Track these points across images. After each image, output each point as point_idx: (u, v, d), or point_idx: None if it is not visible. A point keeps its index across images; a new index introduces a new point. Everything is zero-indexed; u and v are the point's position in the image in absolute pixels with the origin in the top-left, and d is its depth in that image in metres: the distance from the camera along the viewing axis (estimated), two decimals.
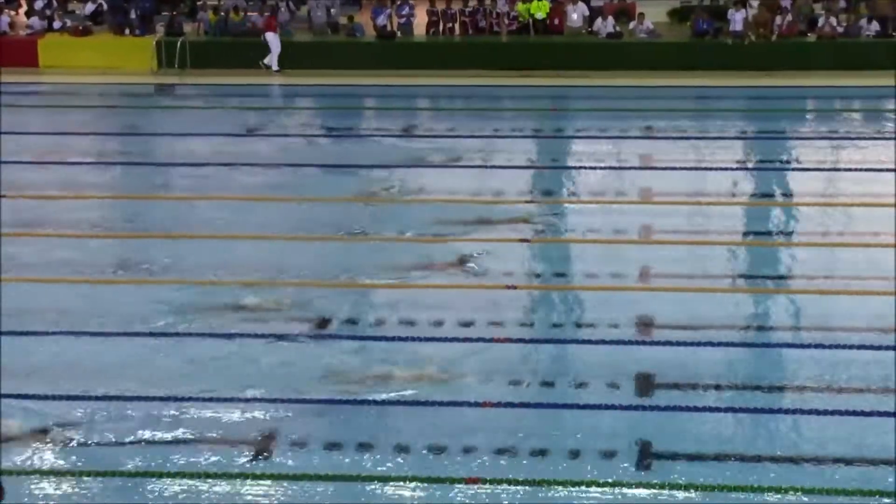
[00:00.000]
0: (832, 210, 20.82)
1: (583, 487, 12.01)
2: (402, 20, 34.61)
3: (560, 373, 14.57)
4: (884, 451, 12.62)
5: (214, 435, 13.10)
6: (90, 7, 35.49)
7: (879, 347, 15.06)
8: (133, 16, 34.74)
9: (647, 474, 12.27)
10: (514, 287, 17.22)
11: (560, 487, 12.02)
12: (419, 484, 12.14)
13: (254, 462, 12.55)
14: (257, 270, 17.88)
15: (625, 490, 11.98)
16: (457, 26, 34.68)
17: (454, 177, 22.75)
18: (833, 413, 13.44)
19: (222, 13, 34.85)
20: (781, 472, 12.26)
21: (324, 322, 16.06)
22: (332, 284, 17.36)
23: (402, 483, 12.17)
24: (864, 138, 25.69)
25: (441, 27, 34.70)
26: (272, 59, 32.88)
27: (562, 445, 12.78)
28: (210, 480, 12.18)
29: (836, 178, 22.90)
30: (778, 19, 33.10)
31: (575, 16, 34.32)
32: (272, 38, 33.08)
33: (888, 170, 22.84)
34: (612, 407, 13.63)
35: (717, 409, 13.58)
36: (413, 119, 28.36)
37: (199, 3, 35.98)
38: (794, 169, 23.83)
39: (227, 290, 17.10)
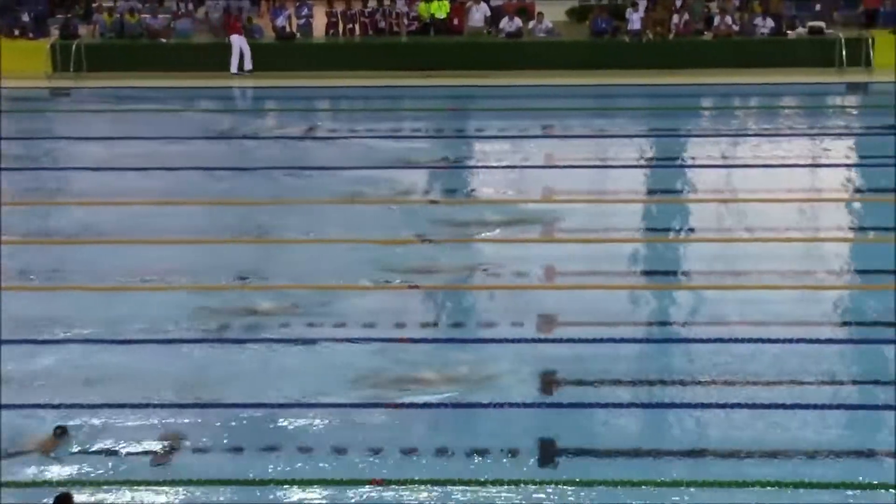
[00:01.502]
0: (731, 206, 21.02)
1: (487, 486, 12.00)
2: (302, 21, 34.38)
3: (463, 372, 14.54)
4: (789, 443, 12.77)
5: (116, 442, 12.90)
6: None
7: (783, 341, 15.22)
8: (26, 18, 34.11)
9: (552, 471, 12.30)
10: (416, 287, 17.17)
11: (464, 487, 12.00)
12: (323, 487, 12.05)
13: (157, 468, 12.39)
14: (157, 274, 17.66)
15: (529, 487, 11.98)
16: (356, 27, 34.54)
17: (355, 177, 22.63)
18: (734, 406, 13.57)
19: (118, 15, 34.37)
20: (684, 467, 12.34)
21: (225, 326, 15.91)
22: (232, 287, 17.20)
23: (305, 486, 12.07)
24: (761, 135, 26.02)
25: (341, 28, 34.54)
26: (235, 62, 32.60)
27: (466, 445, 12.76)
28: (110, 488, 12.01)
29: (734, 175, 23.13)
30: (675, 18, 33.44)
31: (478, 15, 34.37)
32: (237, 41, 32.82)
33: (784, 165, 23.19)
34: (516, 405, 13.64)
35: (621, 405, 13.65)
36: (313, 120, 28.18)
37: (94, 5, 35.43)
38: (693, 166, 24.05)
39: (128, 295, 16.86)
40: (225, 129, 27.07)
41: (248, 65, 32.69)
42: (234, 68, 32.60)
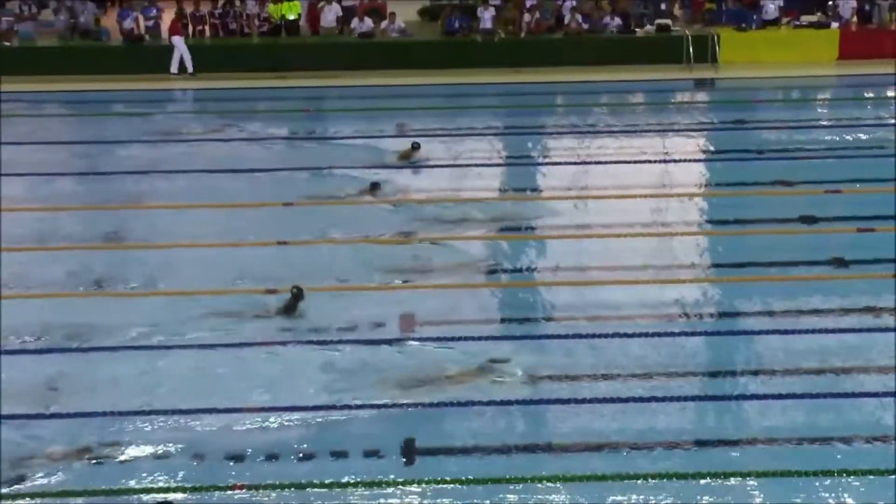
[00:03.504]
0: (585, 202, 21.22)
1: (349, 489, 11.94)
2: (150, 23, 33.89)
3: (322, 374, 14.45)
4: (641, 435, 12.95)
5: None
6: None
7: (639, 335, 15.41)
8: None
9: (412, 471, 12.29)
10: (275, 291, 17.01)
11: (326, 489, 11.93)
12: (184, 493, 11.88)
13: (11, 480, 12.11)
14: (6, 282, 17.26)
15: (391, 488, 11.96)
16: (206, 28, 34.17)
17: (211, 181, 22.39)
18: (592, 401, 13.69)
19: None
20: (544, 462, 12.45)
21: (77, 334, 15.60)
22: (85, 294, 16.88)
23: (164, 493, 11.88)
24: (612, 131, 26.38)
25: (191, 30, 34.14)
26: (176, 63, 32.22)
27: (327, 447, 12.71)
28: None
29: (586, 171, 23.38)
30: (526, 16, 33.77)
31: (330, 16, 34.28)
32: (178, 42, 32.18)
33: (636, 161, 23.52)
34: (376, 406, 13.59)
35: (480, 403, 13.68)
36: (165, 123, 27.78)
37: None
38: (546, 163, 24.28)
39: None
40: (76, 133, 26.56)
41: (189, 67, 32.29)
42: (174, 69, 32.29)
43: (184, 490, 11.93)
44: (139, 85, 31.17)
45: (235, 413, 13.44)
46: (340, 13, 34.34)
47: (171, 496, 11.82)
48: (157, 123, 27.58)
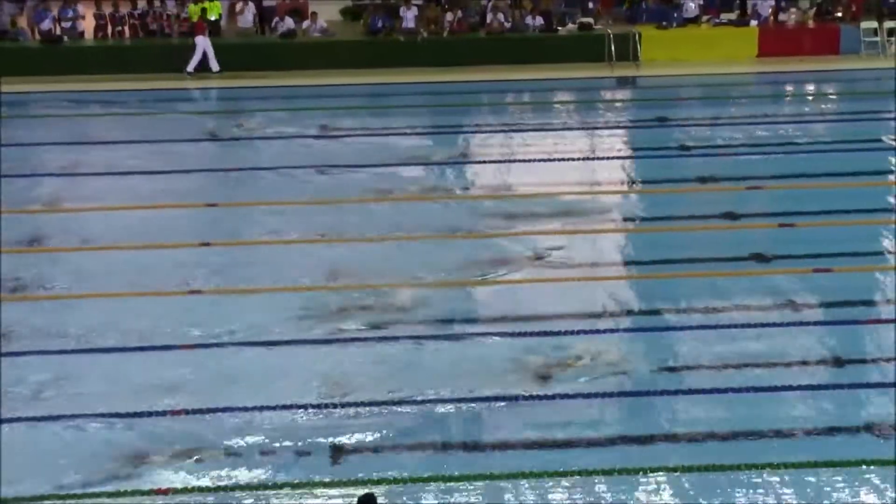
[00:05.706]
0: (508, 200, 21.26)
1: (275, 490, 11.87)
2: (68, 24, 33.47)
3: (246, 374, 14.37)
4: (570, 431, 13.04)
5: None
6: None
7: (570, 332, 15.46)
8: None
9: (339, 471, 12.25)
10: (200, 292, 16.89)
11: (250, 491, 11.85)
12: (106, 498, 11.74)
13: None
14: None
15: (318, 489, 11.91)
16: (126, 29, 33.83)
17: (133, 183, 22.19)
18: (518, 398, 13.74)
19: None
20: (467, 461, 12.48)
21: None
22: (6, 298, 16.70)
23: (83, 499, 11.76)
24: (535, 130, 26.46)
25: (110, 30, 33.77)
26: (194, 63, 31.95)
27: (253, 447, 12.64)
28: None
29: (509, 169, 23.41)
30: (449, 16, 33.79)
31: (249, 16, 34.10)
32: (202, 42, 31.88)
33: (559, 159, 23.61)
34: (303, 406, 13.52)
35: (403, 402, 13.66)
36: (85, 126, 27.45)
37: None
38: (469, 162, 24.28)
39: None
40: None
41: (213, 66, 32.00)
42: (190, 68, 32.00)
43: (106, 494, 11.79)
44: (58, 86, 30.74)
45: (157, 416, 13.31)
46: (255, 11, 34.22)
47: (95, 501, 11.72)
48: (78, 126, 27.26)
